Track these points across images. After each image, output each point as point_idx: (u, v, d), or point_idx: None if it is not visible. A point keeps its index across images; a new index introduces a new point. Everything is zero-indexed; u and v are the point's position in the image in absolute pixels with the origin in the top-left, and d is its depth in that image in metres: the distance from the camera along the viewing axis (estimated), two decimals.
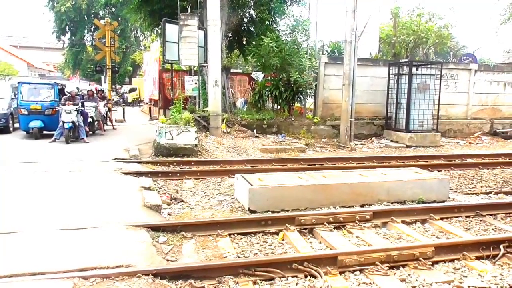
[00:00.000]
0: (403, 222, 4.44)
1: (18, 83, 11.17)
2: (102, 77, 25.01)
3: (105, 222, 3.99)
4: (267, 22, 12.94)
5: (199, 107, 11.99)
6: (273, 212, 4.63)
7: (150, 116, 18.74)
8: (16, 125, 11.65)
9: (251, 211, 4.66)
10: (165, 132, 8.23)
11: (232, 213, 4.76)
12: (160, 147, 8.20)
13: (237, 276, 3.06)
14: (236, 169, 6.79)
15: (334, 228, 4.20)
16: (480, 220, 4.68)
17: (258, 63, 12.60)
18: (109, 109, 13.63)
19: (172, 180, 6.37)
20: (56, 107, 10.29)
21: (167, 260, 3.38)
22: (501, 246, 3.66)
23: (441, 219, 4.58)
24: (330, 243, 3.78)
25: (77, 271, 2.91)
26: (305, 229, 4.17)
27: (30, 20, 75.17)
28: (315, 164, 7.80)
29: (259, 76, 15.96)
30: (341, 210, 4.65)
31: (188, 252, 3.58)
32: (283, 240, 3.97)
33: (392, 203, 5.13)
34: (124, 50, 31.74)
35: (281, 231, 4.08)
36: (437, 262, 3.47)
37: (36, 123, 10.17)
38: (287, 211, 4.67)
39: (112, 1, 15.91)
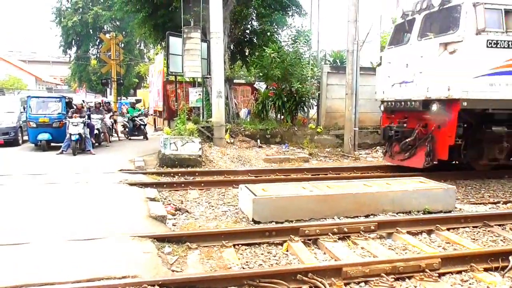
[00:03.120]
0: (408, 232, 4.40)
1: (27, 97, 11.44)
2: (108, 89, 25.41)
3: (111, 233, 4.02)
4: (269, 33, 13.12)
5: (203, 118, 12.11)
6: (277, 222, 4.63)
7: (155, 127, 18.93)
8: (25, 137, 11.88)
9: (255, 222, 4.67)
10: (170, 143, 8.31)
11: (236, 223, 4.77)
12: (165, 158, 8.27)
13: (242, 287, 3.06)
14: (240, 179, 6.81)
15: (339, 239, 4.18)
16: (488, 231, 4.60)
17: (260, 74, 12.74)
18: (115, 121, 13.82)
19: (176, 190, 6.41)
20: (64, 120, 10.48)
21: (173, 271, 3.38)
22: (510, 258, 3.59)
23: (448, 229, 4.53)
24: (335, 254, 3.76)
25: (85, 281, 2.94)
26: (309, 239, 4.16)
27: (38, 36, 77.17)
28: (319, 174, 7.79)
29: (262, 86, 16.10)
30: (346, 221, 4.64)
31: (193, 263, 3.58)
32: (287, 251, 3.96)
33: (397, 214, 5.09)
34: (129, 62, 32.28)
35: (285, 241, 4.07)
36: (444, 274, 3.42)
37: (44, 136, 10.38)
38: (291, 221, 4.66)
39: (117, 15, 16.27)
